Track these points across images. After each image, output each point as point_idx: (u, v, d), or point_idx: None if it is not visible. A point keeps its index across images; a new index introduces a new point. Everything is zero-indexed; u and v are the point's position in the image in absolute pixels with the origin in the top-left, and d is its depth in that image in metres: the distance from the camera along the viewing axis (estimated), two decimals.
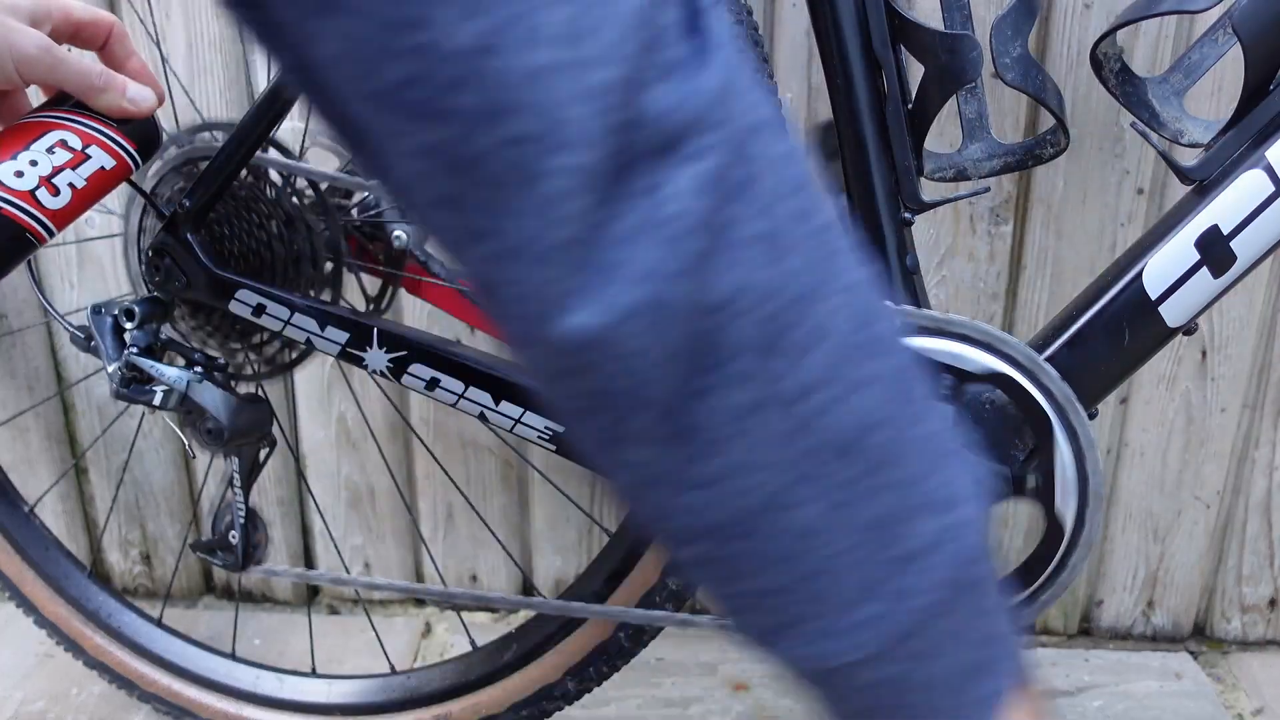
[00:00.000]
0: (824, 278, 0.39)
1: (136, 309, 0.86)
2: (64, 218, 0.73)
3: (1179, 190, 0.72)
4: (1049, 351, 0.72)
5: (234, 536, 0.92)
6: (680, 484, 0.39)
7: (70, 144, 0.73)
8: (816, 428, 0.39)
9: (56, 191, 0.72)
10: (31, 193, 0.71)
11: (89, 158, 0.74)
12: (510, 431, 0.83)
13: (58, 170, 0.72)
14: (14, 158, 0.71)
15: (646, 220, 0.35)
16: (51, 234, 0.73)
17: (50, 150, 0.72)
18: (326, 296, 0.88)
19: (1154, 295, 0.69)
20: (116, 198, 1.16)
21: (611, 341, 0.36)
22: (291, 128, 1.00)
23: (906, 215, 0.77)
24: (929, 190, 0.77)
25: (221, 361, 0.89)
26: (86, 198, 0.74)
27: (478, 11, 0.32)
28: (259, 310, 0.84)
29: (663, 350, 0.36)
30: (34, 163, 0.72)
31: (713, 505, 0.39)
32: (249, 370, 0.93)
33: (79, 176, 0.73)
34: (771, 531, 0.40)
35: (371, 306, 0.97)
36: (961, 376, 0.71)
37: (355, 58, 0.34)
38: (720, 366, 0.37)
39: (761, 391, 0.38)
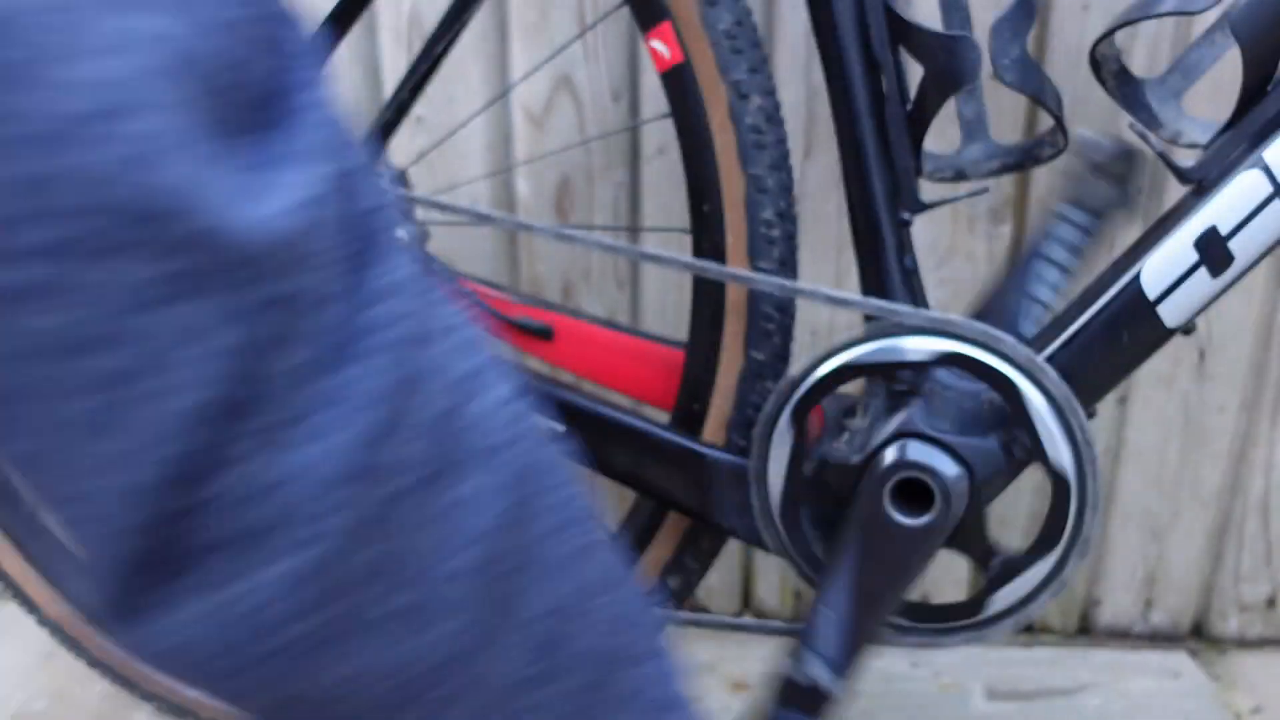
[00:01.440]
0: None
1: None
2: None
3: (1177, 191, 0.72)
4: (1047, 352, 0.72)
5: None
6: None
7: None
8: None
9: None
10: None
11: None
12: None
13: None
14: None
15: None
16: None
17: None
18: None
19: (1152, 295, 0.69)
20: None
21: None
22: None
23: (905, 216, 0.77)
24: (928, 191, 0.77)
25: None
26: None
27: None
28: None
29: None
30: None
31: None
32: None
33: None
34: None
35: None
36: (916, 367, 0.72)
37: None
38: None
39: None
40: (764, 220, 0.78)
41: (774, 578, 1.25)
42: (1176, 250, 0.69)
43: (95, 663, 1.08)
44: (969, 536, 0.76)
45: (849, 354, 0.73)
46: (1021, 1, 0.76)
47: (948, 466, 0.72)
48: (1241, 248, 0.67)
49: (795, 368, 0.76)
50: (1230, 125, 0.70)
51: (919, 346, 0.72)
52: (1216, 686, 1.17)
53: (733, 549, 1.25)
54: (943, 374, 0.72)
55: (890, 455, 0.73)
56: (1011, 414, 0.71)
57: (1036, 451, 0.71)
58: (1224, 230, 0.67)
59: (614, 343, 0.88)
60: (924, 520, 0.73)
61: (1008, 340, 0.70)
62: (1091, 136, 0.79)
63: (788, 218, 0.80)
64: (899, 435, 0.73)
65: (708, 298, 0.82)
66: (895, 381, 0.73)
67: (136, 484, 0.29)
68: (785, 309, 0.81)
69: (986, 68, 0.76)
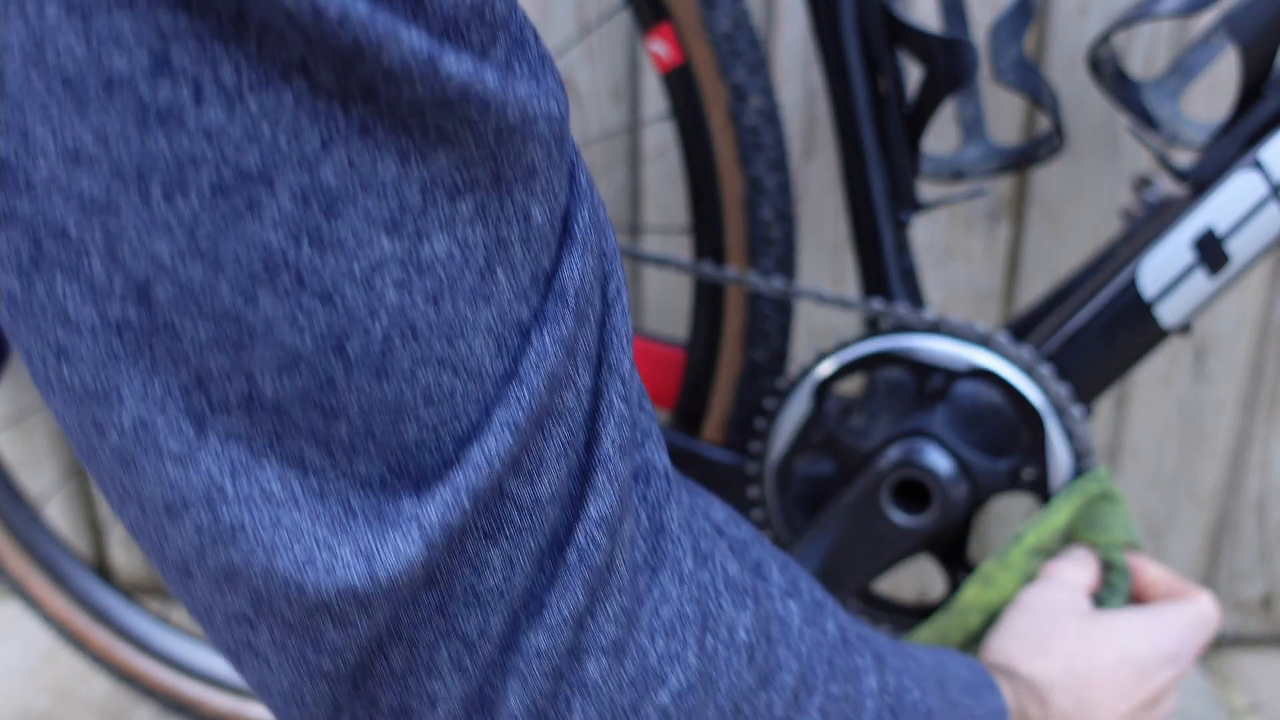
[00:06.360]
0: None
1: None
2: None
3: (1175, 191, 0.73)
4: (1043, 351, 0.73)
5: None
6: None
7: None
8: None
9: None
10: None
11: None
12: None
13: None
14: None
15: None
16: None
17: None
18: None
19: (1149, 296, 0.70)
20: None
21: None
22: None
23: (904, 217, 0.77)
24: (926, 192, 0.78)
25: None
26: None
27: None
28: None
29: None
30: None
31: None
32: None
33: None
34: None
35: None
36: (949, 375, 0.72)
37: None
38: None
39: None
40: (763, 221, 0.79)
41: None
42: (1173, 250, 0.69)
43: (98, 661, 1.08)
44: (951, 546, 0.76)
45: (890, 342, 0.73)
46: (1020, 3, 0.76)
47: (954, 475, 0.72)
48: (1238, 248, 0.68)
49: (830, 345, 0.76)
50: (1227, 126, 0.70)
51: (959, 354, 0.72)
52: (1212, 684, 1.18)
53: None
54: (970, 386, 0.73)
55: (900, 452, 0.73)
56: (1030, 445, 0.72)
57: (1041, 484, 0.72)
58: (1221, 231, 0.68)
59: None
60: (917, 521, 0.73)
61: (1043, 371, 0.70)
62: None
63: (787, 218, 0.80)
64: (915, 434, 0.73)
65: (707, 298, 0.82)
66: (926, 382, 0.73)
67: None
68: (784, 309, 0.81)
69: (985, 69, 0.76)
